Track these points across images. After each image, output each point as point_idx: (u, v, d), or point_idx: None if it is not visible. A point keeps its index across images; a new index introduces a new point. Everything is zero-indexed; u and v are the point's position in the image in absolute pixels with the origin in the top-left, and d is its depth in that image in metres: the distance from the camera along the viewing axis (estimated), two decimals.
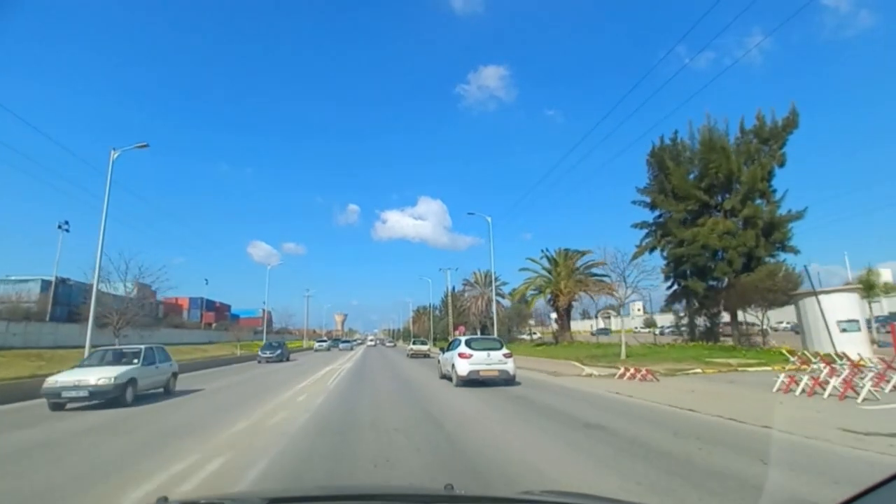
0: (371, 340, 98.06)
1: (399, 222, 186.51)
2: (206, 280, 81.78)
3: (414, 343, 40.11)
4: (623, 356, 20.38)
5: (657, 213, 29.43)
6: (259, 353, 33.10)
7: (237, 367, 27.63)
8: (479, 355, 13.78)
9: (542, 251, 39.97)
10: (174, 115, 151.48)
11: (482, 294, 50.63)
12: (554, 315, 45.68)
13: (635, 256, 25.57)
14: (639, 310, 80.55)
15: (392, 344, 78.84)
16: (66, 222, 39.25)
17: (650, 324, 63.36)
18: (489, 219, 33.72)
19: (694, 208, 26.78)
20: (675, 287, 28.81)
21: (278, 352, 32.66)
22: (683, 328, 29.96)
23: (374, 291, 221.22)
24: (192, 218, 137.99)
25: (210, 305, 76.54)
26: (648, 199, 29.64)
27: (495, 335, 30.98)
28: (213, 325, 70.97)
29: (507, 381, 13.80)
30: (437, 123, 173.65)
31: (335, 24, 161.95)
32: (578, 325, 50.68)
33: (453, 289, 62.09)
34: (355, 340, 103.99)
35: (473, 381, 13.53)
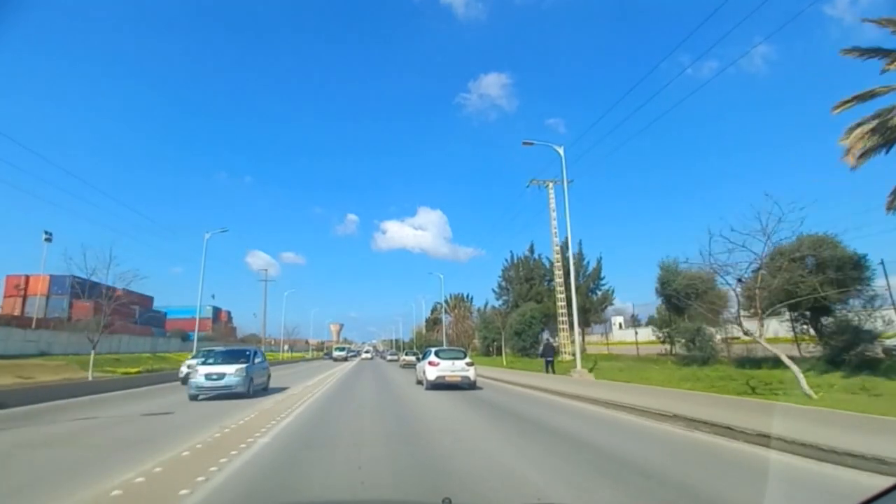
0: (367, 353, 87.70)
1: (399, 233, 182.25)
2: (80, 256, 46.44)
3: (406, 354, 45.65)
4: None
5: None
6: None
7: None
8: (445, 364, 16.39)
9: None
10: (173, 125, 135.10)
11: None
12: None
13: None
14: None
15: (394, 356, 66.48)
16: None
17: None
18: None
19: None
20: None
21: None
22: None
23: (373, 303, 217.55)
24: (190, 228, 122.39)
25: (98, 292, 58.95)
26: None
27: None
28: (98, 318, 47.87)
29: (469, 385, 16.09)
30: (437, 133, 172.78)
31: (334, 34, 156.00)
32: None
33: (512, 257, 45.46)
34: (350, 350, 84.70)
35: (440, 385, 16.21)
